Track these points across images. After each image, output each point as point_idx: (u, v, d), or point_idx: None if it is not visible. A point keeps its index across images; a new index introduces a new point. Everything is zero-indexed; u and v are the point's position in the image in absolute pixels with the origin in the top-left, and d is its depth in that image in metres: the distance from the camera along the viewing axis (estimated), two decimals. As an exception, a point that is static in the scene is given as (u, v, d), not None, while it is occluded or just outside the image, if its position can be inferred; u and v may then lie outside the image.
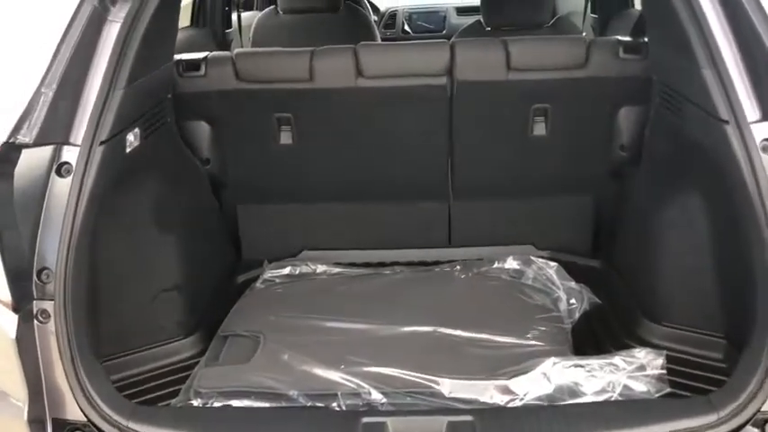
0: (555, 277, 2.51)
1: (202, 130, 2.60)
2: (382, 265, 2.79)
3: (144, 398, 2.07)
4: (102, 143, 1.80)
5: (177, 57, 2.49)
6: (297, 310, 2.38)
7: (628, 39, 2.45)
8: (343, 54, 2.46)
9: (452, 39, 3.30)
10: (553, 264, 2.55)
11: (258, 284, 2.65)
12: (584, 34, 3.51)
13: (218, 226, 2.71)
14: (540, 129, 2.56)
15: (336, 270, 2.73)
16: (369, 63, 2.44)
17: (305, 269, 2.73)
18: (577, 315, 2.38)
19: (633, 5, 3.56)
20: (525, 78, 2.43)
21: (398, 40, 4.94)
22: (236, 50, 2.51)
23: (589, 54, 2.40)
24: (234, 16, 3.85)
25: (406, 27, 4.96)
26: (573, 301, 2.41)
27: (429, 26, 4.97)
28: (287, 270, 2.72)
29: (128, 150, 1.99)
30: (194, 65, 2.48)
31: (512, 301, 2.38)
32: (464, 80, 2.44)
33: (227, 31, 3.79)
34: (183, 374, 2.19)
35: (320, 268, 2.74)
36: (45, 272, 1.71)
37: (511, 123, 2.56)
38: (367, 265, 2.79)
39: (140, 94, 2.03)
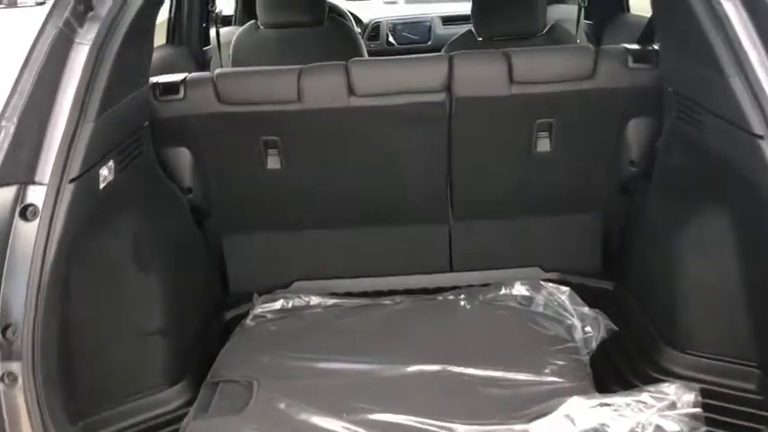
0: (567, 303, 2.35)
1: (183, 157, 2.42)
2: (380, 294, 2.62)
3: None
4: (72, 180, 1.62)
5: (153, 79, 2.30)
6: (292, 349, 2.19)
7: (636, 47, 2.30)
8: (333, 72, 2.28)
9: (443, 50, 3.17)
10: (564, 288, 2.38)
11: (248, 321, 2.46)
12: (578, 41, 3.38)
13: (203, 259, 2.52)
14: (544, 144, 2.40)
15: (332, 302, 2.55)
16: (361, 80, 2.26)
17: (298, 302, 2.54)
18: (594, 345, 2.22)
19: (628, 10, 3.44)
20: (529, 92, 2.27)
21: (383, 52, 4.79)
22: (217, 71, 2.32)
23: (597, 64, 2.25)
24: (212, 33, 3.66)
25: (391, 39, 4.80)
26: (588, 328, 2.25)
27: (414, 37, 4.82)
28: (279, 304, 2.53)
29: (101, 186, 1.80)
30: (172, 88, 2.29)
31: (523, 331, 2.21)
32: (464, 96, 2.28)
33: (206, 48, 3.60)
34: (171, 428, 2.00)
35: (314, 300, 2.55)
36: (10, 329, 1.51)
37: (513, 140, 2.40)
38: (364, 294, 2.62)
39: (114, 124, 1.84)
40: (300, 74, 2.26)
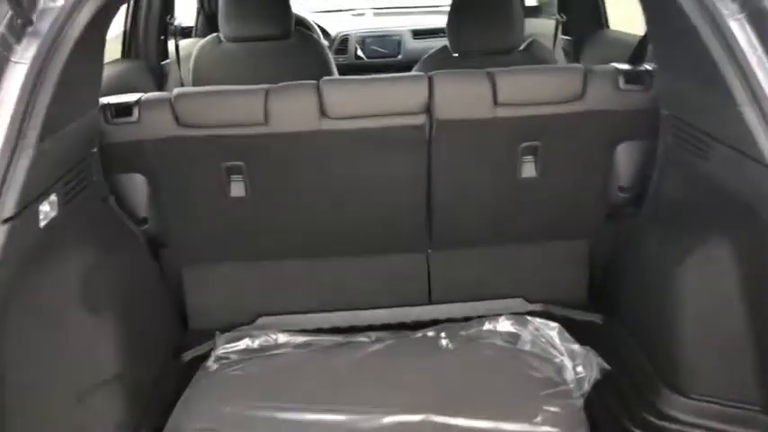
0: (556, 339, 2.19)
1: (137, 184, 2.20)
2: (354, 329, 2.43)
3: None
4: (6, 221, 1.40)
5: (104, 100, 2.09)
6: (257, 398, 1.99)
7: (627, 67, 2.17)
8: (303, 92, 2.09)
9: (417, 65, 2.99)
10: (553, 324, 2.22)
11: (210, 363, 2.24)
12: (556, 58, 3.25)
13: (159, 296, 2.30)
14: (529, 169, 2.25)
15: (301, 339, 2.35)
16: (334, 102, 2.08)
17: (264, 341, 2.33)
18: (587, 386, 2.06)
19: (607, 26, 3.33)
20: (514, 114, 2.12)
21: (352, 66, 4.61)
22: (176, 90, 2.11)
23: (586, 85, 2.11)
24: (171, 45, 3.44)
25: (359, 52, 4.62)
26: (580, 368, 2.09)
27: (384, 51, 4.65)
28: (243, 343, 2.31)
29: (42, 224, 1.58)
30: (125, 109, 2.07)
31: (511, 374, 2.04)
32: (445, 119, 2.11)
33: (164, 62, 3.38)
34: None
35: (282, 338, 2.35)
36: None
37: (497, 164, 2.24)
38: (336, 330, 2.43)
39: (56, 153, 1.63)
40: (267, 94, 2.07)
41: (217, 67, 3.19)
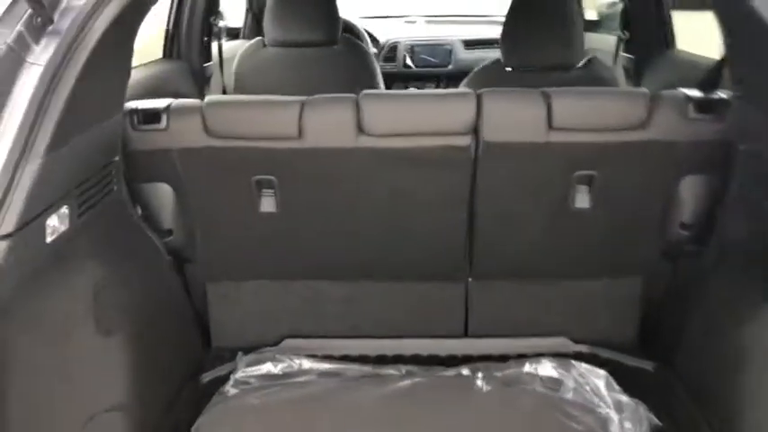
0: (603, 389, 2.00)
1: (164, 194, 2.08)
2: (383, 359, 2.28)
3: None
4: (4, 237, 1.29)
5: (132, 104, 1.98)
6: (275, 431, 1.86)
7: (698, 94, 1.96)
8: (340, 106, 1.95)
9: (467, 80, 2.82)
10: (601, 372, 2.03)
11: (229, 387, 2.12)
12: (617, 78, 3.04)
13: (181, 312, 2.19)
14: (582, 200, 2.06)
15: (326, 367, 2.21)
16: (373, 118, 1.93)
17: (287, 366, 2.20)
18: (635, 445, 1.86)
19: (673, 46, 3.10)
20: (570, 140, 1.94)
21: (400, 75, 4.46)
22: (207, 98, 1.99)
23: (651, 112, 1.91)
24: (214, 47, 3.35)
25: (408, 61, 4.46)
26: (628, 424, 1.90)
27: (433, 60, 4.48)
28: (265, 368, 2.19)
29: (49, 239, 1.47)
30: (153, 115, 1.96)
31: (551, 426, 1.86)
32: (492, 141, 1.94)
33: (207, 65, 3.28)
34: None
35: (306, 364, 2.21)
36: None
37: (547, 192, 2.06)
38: (364, 359, 2.27)
39: (70, 162, 1.52)
40: (303, 107, 1.93)
41: (259, 72, 3.08)
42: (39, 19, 1.45)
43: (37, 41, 1.44)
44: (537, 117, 1.91)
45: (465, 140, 1.95)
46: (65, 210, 1.51)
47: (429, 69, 4.49)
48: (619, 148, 1.95)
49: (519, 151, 1.96)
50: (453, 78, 4.31)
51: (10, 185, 1.31)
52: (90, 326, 1.72)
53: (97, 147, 1.68)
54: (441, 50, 4.48)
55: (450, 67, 4.46)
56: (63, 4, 1.48)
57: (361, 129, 1.94)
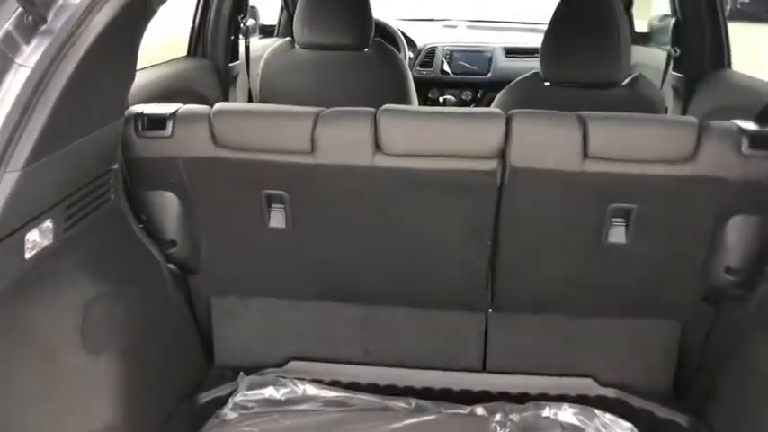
0: (628, 445, 1.83)
1: (168, 203, 1.97)
2: (392, 390, 2.13)
3: None
4: None
5: (137, 108, 1.87)
6: (269, 467, 1.73)
7: (753, 127, 1.77)
8: (357, 120, 1.81)
9: (502, 93, 2.65)
10: (626, 425, 1.87)
11: (227, 410, 2.01)
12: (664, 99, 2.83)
13: (181, 329, 2.07)
14: (618, 234, 1.88)
15: (332, 395, 2.08)
16: (392, 135, 1.78)
17: (291, 392, 2.08)
18: None
19: (729, 65, 2.88)
20: (607, 171, 1.76)
21: (436, 81, 4.30)
22: (217, 106, 1.87)
23: (700, 144, 1.73)
24: (242, 46, 3.24)
25: (446, 67, 4.30)
26: (653, 486, 1.73)
27: (472, 68, 4.31)
28: (267, 392, 2.07)
29: (28, 255, 1.36)
30: (158, 121, 1.85)
31: (568, 483, 1.70)
32: (521, 167, 1.78)
33: (233, 64, 3.18)
34: None
35: (310, 390, 2.09)
36: None
37: (579, 225, 1.89)
38: (372, 388, 2.14)
39: (57, 172, 1.41)
40: (316, 120, 1.79)
41: (285, 74, 2.96)
42: (30, 18, 1.34)
43: (27, 41, 1.33)
44: (571, 143, 1.75)
45: (491, 165, 1.79)
46: (48, 223, 1.41)
47: (467, 77, 4.31)
48: (661, 181, 1.77)
49: (549, 180, 1.79)
50: (491, 87, 4.12)
51: None
52: (77, 343, 1.61)
53: (91, 155, 1.57)
54: (480, 58, 4.30)
55: (488, 75, 4.28)
56: (58, 3, 1.37)
57: (378, 146, 1.79)
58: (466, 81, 4.31)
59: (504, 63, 4.26)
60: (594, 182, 1.79)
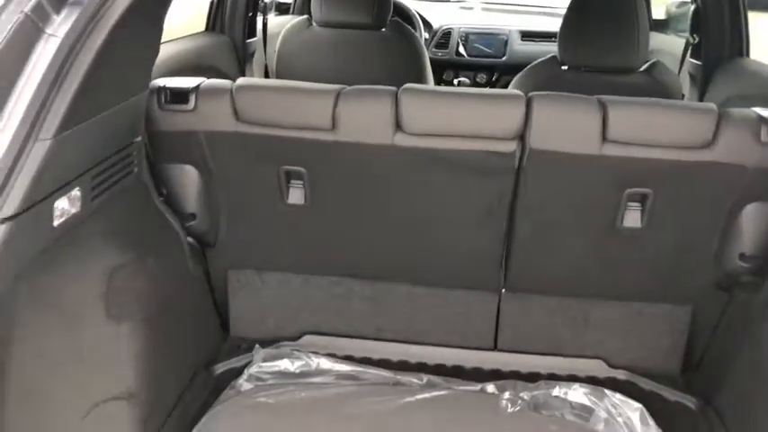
0: (637, 424, 1.86)
1: (189, 177, 2.00)
2: (404, 366, 2.17)
3: None
4: (8, 219, 1.21)
5: (160, 82, 1.89)
6: (284, 435, 1.77)
7: None
8: (378, 99, 1.82)
9: (519, 76, 2.65)
10: (636, 405, 1.89)
11: (241, 381, 2.05)
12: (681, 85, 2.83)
13: (198, 300, 2.11)
14: (633, 219, 1.90)
15: (345, 369, 2.11)
16: (412, 114, 1.80)
17: (305, 365, 2.11)
18: (667, 489, 1.72)
19: (747, 54, 2.88)
20: (625, 155, 1.78)
21: (451, 62, 4.30)
22: (239, 81, 1.89)
23: (719, 131, 1.74)
24: (259, 23, 3.25)
25: (461, 49, 4.29)
26: (660, 465, 1.76)
27: (487, 50, 4.30)
28: (282, 364, 2.10)
29: (57, 222, 1.39)
30: (181, 95, 1.87)
31: (578, 459, 1.74)
32: (540, 149, 1.80)
33: (250, 40, 3.18)
34: None
35: (324, 363, 2.12)
36: None
37: (595, 208, 1.91)
38: (385, 363, 2.17)
39: (85, 142, 1.44)
40: (338, 97, 1.81)
41: (302, 52, 2.97)
42: None
43: (57, 11, 1.35)
44: (590, 127, 1.76)
45: (510, 146, 1.81)
46: (76, 192, 1.44)
47: (482, 59, 4.31)
48: (679, 167, 1.78)
49: (567, 162, 1.81)
50: (507, 71, 4.12)
51: (14, 166, 1.23)
52: (102, 310, 1.65)
53: (118, 126, 1.59)
54: (496, 40, 4.30)
55: (504, 58, 4.27)
56: None
57: (398, 125, 1.81)
58: (481, 63, 4.31)
59: (519, 46, 4.26)
60: (612, 166, 1.80)
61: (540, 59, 2.68)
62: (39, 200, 1.30)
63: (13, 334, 1.35)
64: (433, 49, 4.25)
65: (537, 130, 1.78)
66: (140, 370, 1.75)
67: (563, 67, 2.54)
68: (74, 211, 1.44)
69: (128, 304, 1.73)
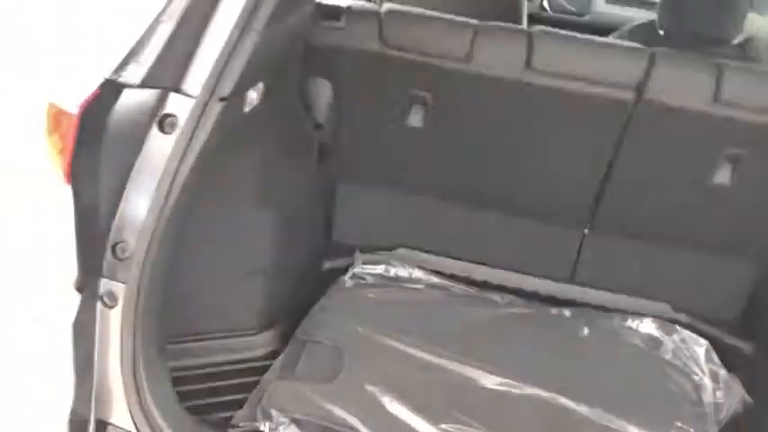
0: (701, 357, 2.08)
1: (324, 90, 2.19)
2: (487, 285, 2.39)
3: (203, 401, 1.75)
4: (222, 99, 1.42)
5: (316, -1, 2.07)
6: (390, 327, 2.01)
7: None
8: (514, 38, 2.00)
9: (614, 35, 2.80)
10: (702, 341, 2.11)
11: (347, 278, 2.29)
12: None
13: (316, 203, 2.33)
14: (723, 176, 2.08)
15: (436, 280, 2.34)
16: (544, 55, 1.98)
17: (401, 272, 2.35)
18: (723, 415, 1.95)
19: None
20: (732, 116, 1.95)
21: (533, 16, 4.39)
22: (386, 6, 2.07)
23: None
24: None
25: (545, 3, 4.39)
26: (720, 394, 1.98)
27: (570, 8, 4.40)
28: (380, 269, 2.34)
29: (246, 110, 1.60)
30: (334, 13, 2.05)
31: (647, 380, 1.97)
32: (655, 100, 1.97)
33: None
34: (250, 379, 1.86)
35: (417, 273, 2.35)
36: (121, 246, 1.36)
37: (692, 163, 2.09)
38: (470, 281, 2.40)
39: (274, 41, 1.63)
40: (477, 31, 1.99)
41: None
42: None
43: None
44: (705, 87, 1.93)
45: (627, 95, 1.99)
46: (261, 86, 1.64)
47: (563, 16, 4.40)
48: None
49: (678, 116, 1.98)
50: (588, 31, 4.21)
51: (233, 52, 1.42)
52: (249, 197, 1.88)
53: (290, 34, 1.78)
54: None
55: (586, 17, 4.37)
56: None
57: (529, 63, 1.99)
58: (562, 20, 4.39)
59: (603, 8, 4.33)
60: (718, 124, 1.97)
61: (637, 23, 2.82)
62: (243, 86, 1.51)
63: (191, 216, 1.55)
64: None
65: (655, 83, 1.95)
66: (272, 253, 1.99)
67: (660, 32, 2.68)
68: (256, 102, 1.65)
69: (272, 196, 1.95)
